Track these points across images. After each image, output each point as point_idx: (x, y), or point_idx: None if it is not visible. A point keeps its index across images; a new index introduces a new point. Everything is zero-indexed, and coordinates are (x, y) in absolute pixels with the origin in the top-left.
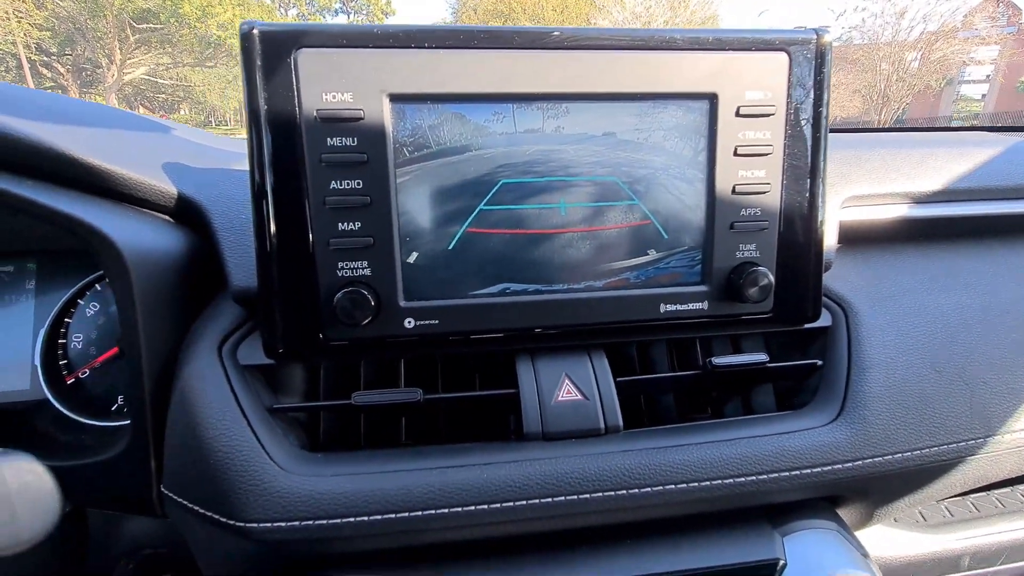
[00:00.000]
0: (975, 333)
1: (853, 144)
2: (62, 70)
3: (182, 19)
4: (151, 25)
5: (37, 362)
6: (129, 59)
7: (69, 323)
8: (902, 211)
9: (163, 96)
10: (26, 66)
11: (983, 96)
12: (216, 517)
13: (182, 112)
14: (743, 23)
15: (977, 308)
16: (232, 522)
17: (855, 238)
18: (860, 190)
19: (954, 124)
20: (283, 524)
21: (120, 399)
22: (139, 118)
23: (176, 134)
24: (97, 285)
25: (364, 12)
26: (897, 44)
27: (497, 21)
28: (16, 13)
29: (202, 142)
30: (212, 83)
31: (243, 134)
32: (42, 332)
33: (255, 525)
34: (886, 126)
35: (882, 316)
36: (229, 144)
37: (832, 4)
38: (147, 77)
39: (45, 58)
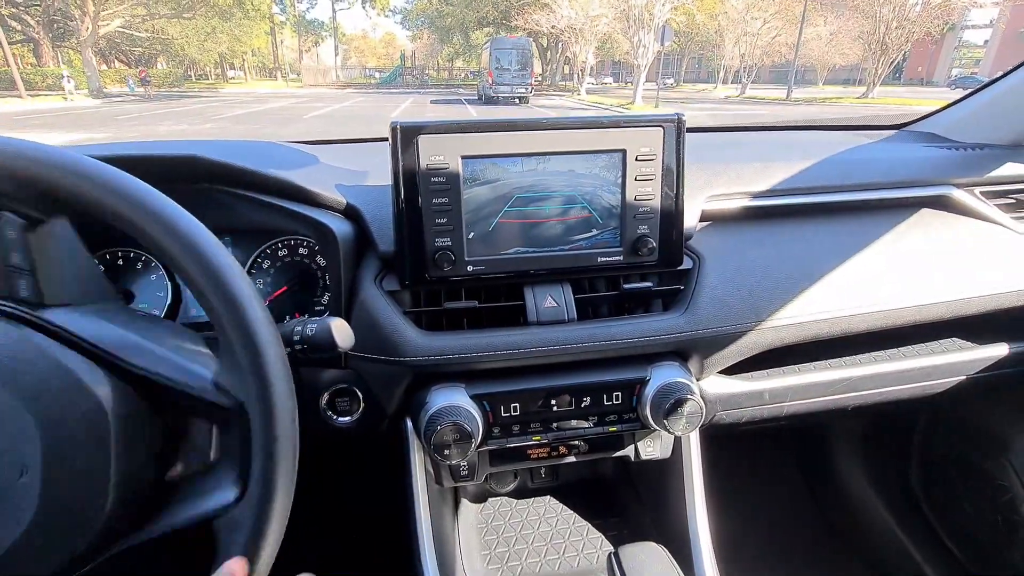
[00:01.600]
0: (767, 270)
1: (724, 147)
2: (32, 22)
3: None
4: None
5: None
6: (103, 10)
7: (252, 273)
8: (743, 202)
9: (139, 50)
10: None
11: (985, 42)
12: (388, 358)
13: (160, 66)
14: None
15: (771, 258)
16: (399, 358)
17: (715, 218)
18: (718, 191)
19: (954, 72)
20: (424, 358)
21: (288, 318)
22: (307, 154)
23: (327, 160)
24: (267, 250)
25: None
26: None
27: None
28: None
29: (342, 167)
30: (190, 36)
31: (225, 87)
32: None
33: (410, 358)
34: (881, 78)
35: (718, 263)
36: (354, 158)
37: None
38: (122, 30)
39: (13, 9)
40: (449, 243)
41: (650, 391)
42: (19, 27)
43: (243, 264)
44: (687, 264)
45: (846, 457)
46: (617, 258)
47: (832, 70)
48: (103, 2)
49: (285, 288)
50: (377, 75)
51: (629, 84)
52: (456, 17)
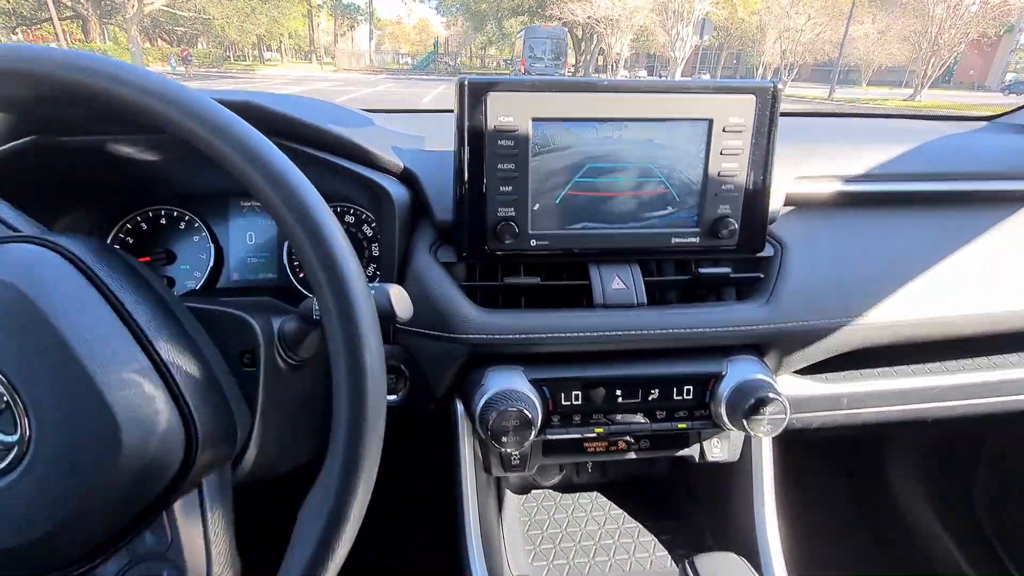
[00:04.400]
0: (859, 263)
1: (810, 129)
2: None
3: None
4: None
5: (284, 261)
6: None
7: None
8: (833, 187)
9: (181, 29)
10: None
11: None
12: (443, 334)
13: (200, 46)
14: None
15: (864, 250)
16: (455, 335)
17: (801, 202)
18: (807, 172)
19: (1008, 77)
20: (483, 336)
21: None
22: (364, 117)
23: (388, 127)
24: None
25: None
26: None
27: None
28: None
29: (400, 130)
30: (231, 16)
31: (262, 69)
32: (286, 244)
33: (468, 336)
34: (930, 80)
35: (804, 251)
36: (411, 125)
37: None
38: (166, 8)
39: None
40: (513, 214)
41: (726, 387)
42: (69, 4)
43: None
44: (768, 251)
45: (903, 469)
46: (693, 239)
47: (877, 71)
48: None
49: None
50: (410, 61)
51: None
52: (492, 4)
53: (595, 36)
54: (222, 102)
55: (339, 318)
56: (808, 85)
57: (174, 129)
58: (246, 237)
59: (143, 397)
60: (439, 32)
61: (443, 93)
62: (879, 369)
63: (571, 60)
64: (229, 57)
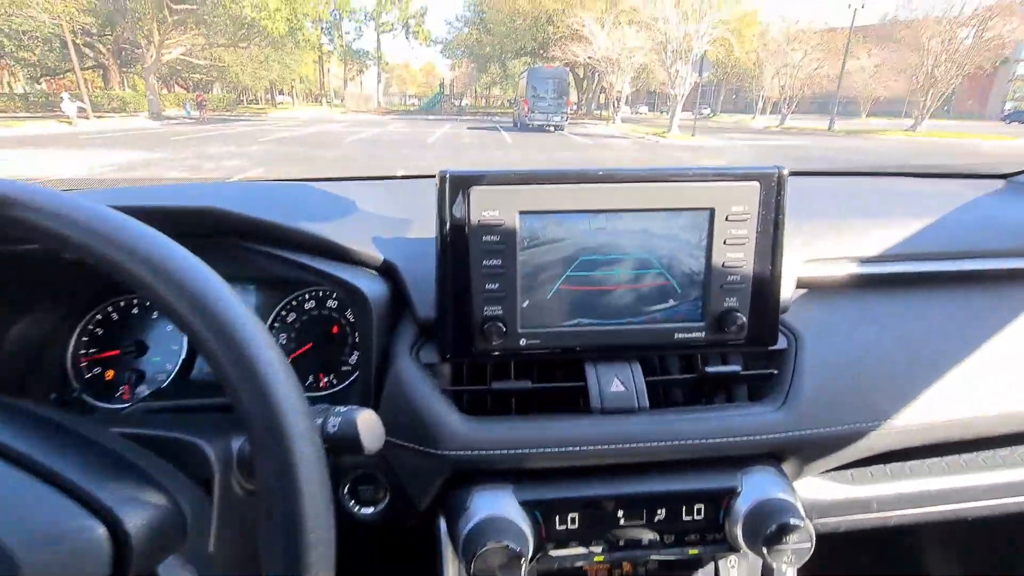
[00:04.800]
0: (879, 355)
1: (814, 195)
2: (103, 50)
3: (217, 1)
4: (188, 6)
5: None
6: (167, 40)
7: (275, 327)
8: (847, 269)
9: (197, 76)
10: (72, 47)
11: None
12: (423, 448)
13: (215, 91)
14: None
15: (885, 338)
16: (434, 451)
17: (812, 286)
18: (818, 253)
19: (1007, 106)
20: (468, 452)
21: (310, 378)
22: (342, 199)
23: (365, 207)
24: (293, 301)
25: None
26: (948, 20)
27: (504, 18)
28: None
29: (382, 212)
30: (244, 63)
31: (273, 112)
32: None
33: (450, 452)
34: (929, 111)
35: (819, 342)
36: (399, 206)
37: None
38: (183, 57)
39: (87, 39)
40: (500, 312)
41: (742, 507)
42: (91, 54)
43: (265, 318)
44: (781, 343)
45: (940, 564)
46: (698, 334)
47: (876, 102)
48: (167, 32)
49: (311, 344)
50: (416, 102)
51: (664, 114)
52: (495, 47)
53: (596, 75)
54: (180, 209)
55: (273, 470)
56: (808, 117)
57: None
58: None
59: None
60: (444, 74)
61: (449, 132)
62: (910, 463)
63: (573, 98)
64: (243, 101)
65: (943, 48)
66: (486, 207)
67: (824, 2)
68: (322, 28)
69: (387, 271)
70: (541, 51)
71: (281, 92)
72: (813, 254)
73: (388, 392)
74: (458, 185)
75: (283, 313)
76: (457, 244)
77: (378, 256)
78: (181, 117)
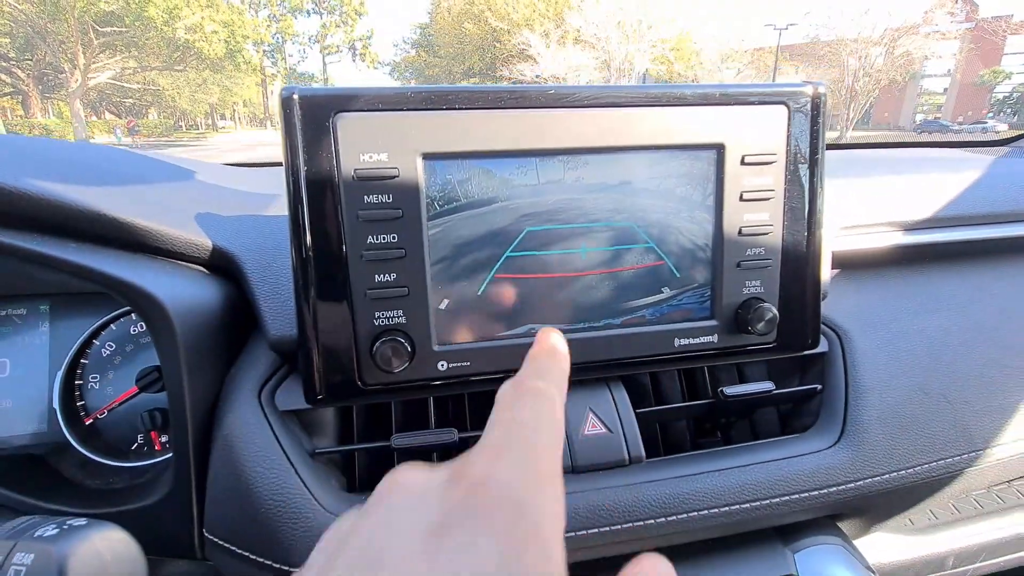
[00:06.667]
0: (956, 353)
1: (846, 164)
2: (22, 75)
3: (148, 22)
4: (116, 28)
5: (56, 405)
6: (93, 63)
7: (85, 364)
8: (890, 238)
9: (130, 101)
10: None
11: (945, 90)
12: (265, 561)
13: (151, 117)
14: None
15: (956, 329)
16: (281, 566)
17: (847, 264)
18: (852, 220)
19: (918, 118)
20: None
21: (140, 438)
22: (164, 164)
23: (203, 178)
24: (112, 325)
25: (337, 12)
26: (862, 40)
27: (470, 21)
28: None
29: (229, 185)
30: (181, 87)
31: (214, 136)
32: (59, 375)
33: None
34: (853, 122)
35: (873, 340)
36: (256, 183)
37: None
38: (113, 81)
39: (4, 63)
40: (401, 319)
41: None
42: (8, 80)
43: (72, 351)
44: (822, 346)
45: None
46: (708, 338)
47: None
48: (94, 55)
49: (134, 390)
50: None
51: None
52: (443, 68)
53: None
54: None
55: None
56: None
57: None
58: None
59: None
60: None
61: None
62: (983, 498)
63: None
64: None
65: (860, 64)
66: (366, 147)
67: (751, 24)
68: (264, 51)
69: (222, 267)
70: (489, 71)
71: (223, 116)
72: (848, 220)
73: (218, 462)
74: (317, 111)
75: (96, 343)
76: (321, 213)
77: (205, 241)
78: (112, 143)
